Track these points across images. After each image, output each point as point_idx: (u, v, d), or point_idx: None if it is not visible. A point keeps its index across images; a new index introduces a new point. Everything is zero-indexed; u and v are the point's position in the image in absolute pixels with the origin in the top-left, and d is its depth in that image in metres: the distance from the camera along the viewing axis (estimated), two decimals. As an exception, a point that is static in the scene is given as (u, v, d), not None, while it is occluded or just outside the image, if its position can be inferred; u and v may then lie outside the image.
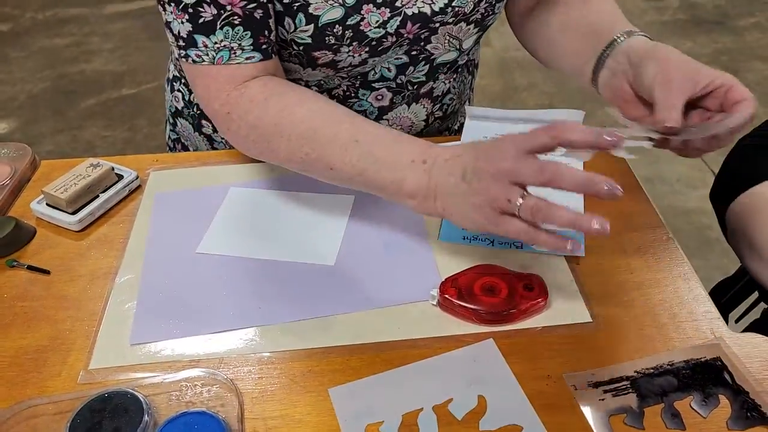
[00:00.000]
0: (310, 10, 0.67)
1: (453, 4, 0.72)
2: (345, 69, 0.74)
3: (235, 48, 0.64)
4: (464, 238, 0.69)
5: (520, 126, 0.83)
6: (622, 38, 0.69)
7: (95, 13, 3.48)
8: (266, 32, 0.66)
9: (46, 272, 0.66)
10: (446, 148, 0.58)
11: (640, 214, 0.72)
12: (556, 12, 0.80)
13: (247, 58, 0.65)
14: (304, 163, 0.63)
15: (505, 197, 0.52)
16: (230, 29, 0.63)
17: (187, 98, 0.89)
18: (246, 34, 0.64)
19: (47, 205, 0.73)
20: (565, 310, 0.61)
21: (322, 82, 0.77)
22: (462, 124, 0.95)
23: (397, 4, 0.70)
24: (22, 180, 0.79)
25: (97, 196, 0.74)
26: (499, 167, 0.53)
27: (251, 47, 0.64)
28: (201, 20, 0.63)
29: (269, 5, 0.65)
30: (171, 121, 0.95)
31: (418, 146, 0.59)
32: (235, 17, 0.63)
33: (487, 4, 0.75)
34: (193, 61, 0.65)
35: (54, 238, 0.71)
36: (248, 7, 0.63)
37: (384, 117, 0.81)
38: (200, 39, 0.64)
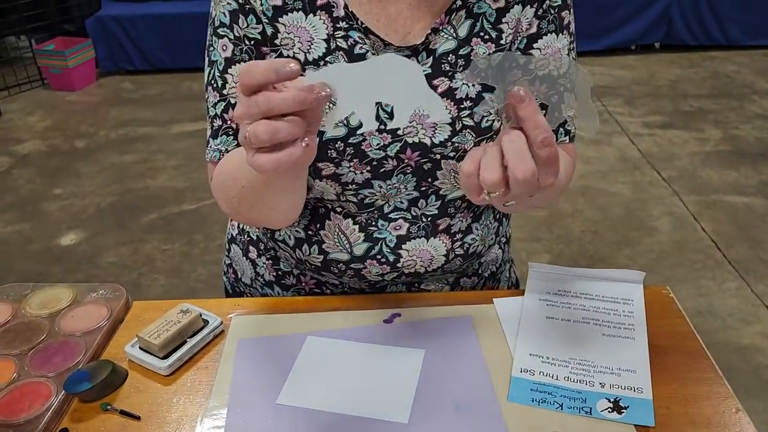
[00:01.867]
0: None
1: (453, 139, 0.80)
2: (351, 186, 0.82)
3: (223, 151, 0.82)
4: (533, 401, 0.71)
5: (581, 283, 0.87)
6: None
7: (162, 132, 3.74)
8: None
9: (137, 418, 0.71)
10: None
11: (708, 383, 0.73)
12: None
13: None
14: (241, 197, 0.75)
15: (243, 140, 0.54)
16: (226, 137, 0.82)
17: (241, 227, 1.00)
18: (234, 142, 0.81)
19: (140, 348, 0.78)
20: (638, 484, 0.61)
21: (345, 209, 0.85)
22: (492, 273, 1.01)
23: (399, 132, 0.79)
24: (116, 321, 0.85)
25: (185, 341, 0.79)
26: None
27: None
28: (213, 128, 0.83)
29: None
30: (227, 247, 1.06)
31: None
32: (230, 129, 0.81)
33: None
34: (206, 155, 0.84)
35: (144, 382, 0.76)
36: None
37: (403, 247, 0.86)
38: (211, 141, 0.83)
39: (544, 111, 0.83)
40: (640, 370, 0.73)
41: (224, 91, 0.81)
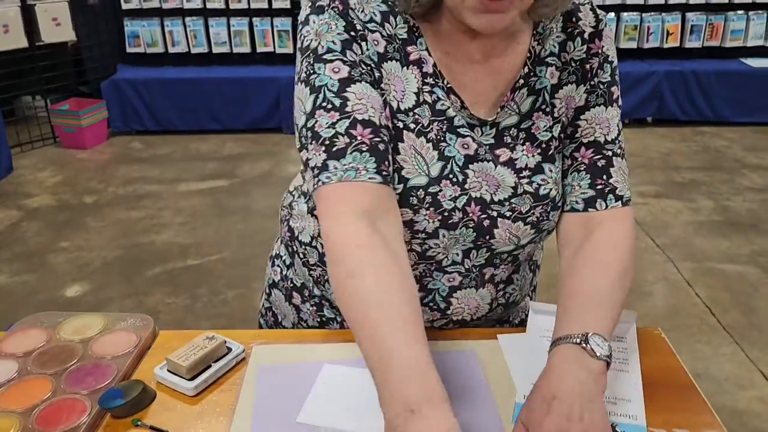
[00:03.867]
0: (403, 173, 0.83)
1: (512, 200, 0.86)
2: (419, 236, 0.86)
3: (360, 169, 0.76)
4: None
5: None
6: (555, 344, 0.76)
7: (169, 190, 3.84)
8: (386, 162, 0.79)
9: (166, 433, 0.76)
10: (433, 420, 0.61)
11: (697, 414, 0.79)
12: (572, 274, 0.86)
13: (369, 178, 0.76)
14: (351, 326, 0.70)
15: None
16: (358, 154, 0.77)
17: (284, 273, 1.04)
18: (371, 159, 0.77)
19: (168, 371, 0.83)
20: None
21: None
22: (522, 320, 1.05)
23: (466, 186, 0.85)
24: (144, 348, 0.90)
25: (210, 365, 0.84)
26: None
27: (374, 170, 0.77)
28: (335, 149, 0.77)
29: (404, 131, 0.83)
30: (267, 291, 1.09)
31: (415, 397, 0.62)
32: (363, 145, 0.77)
33: (542, 210, 0.88)
34: (323, 182, 0.76)
35: (171, 402, 0.81)
36: (374, 139, 0.78)
37: (454, 295, 0.91)
38: (332, 163, 0.76)
39: (589, 175, 0.88)
40: (635, 400, 0.79)
41: (347, 109, 0.78)
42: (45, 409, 0.77)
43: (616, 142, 0.90)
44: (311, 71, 0.80)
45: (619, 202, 0.88)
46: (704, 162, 4.21)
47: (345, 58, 0.80)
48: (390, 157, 0.80)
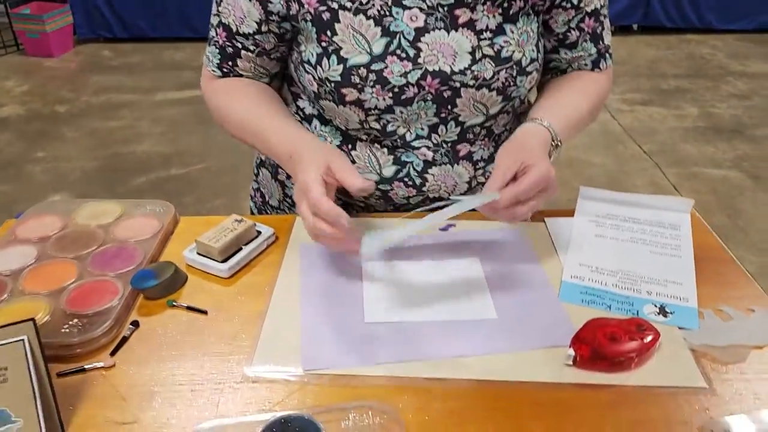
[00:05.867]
0: (342, 53, 0.82)
1: (473, 67, 0.83)
2: (373, 112, 0.85)
3: (211, 59, 0.93)
4: (582, 301, 0.75)
5: (629, 209, 0.90)
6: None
7: (146, 99, 3.69)
8: (230, 62, 0.92)
9: (204, 312, 0.73)
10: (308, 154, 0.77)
11: (741, 287, 0.79)
12: (556, 86, 0.97)
13: (212, 70, 0.94)
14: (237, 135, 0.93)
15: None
16: (214, 48, 0.92)
17: None
18: (218, 56, 0.92)
19: (198, 253, 0.80)
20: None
21: (370, 136, 0.89)
22: None
23: (419, 60, 0.83)
24: (167, 233, 0.86)
25: (241, 248, 0.81)
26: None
27: (216, 65, 0.93)
28: (210, 38, 0.93)
29: (243, 50, 0.90)
30: (255, 172, 1.09)
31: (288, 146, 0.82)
32: (217, 44, 0.92)
33: (507, 75, 0.85)
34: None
35: (205, 284, 0.78)
36: (225, 42, 0.90)
37: (429, 171, 0.90)
38: (207, 48, 0.94)
39: (593, 43, 0.92)
40: (687, 283, 0.77)
41: (220, 8, 0.89)
42: (75, 291, 0.73)
43: (604, 4, 0.94)
44: None
45: (611, 60, 0.98)
46: (689, 69, 4.18)
47: None
48: (239, 60, 0.92)
